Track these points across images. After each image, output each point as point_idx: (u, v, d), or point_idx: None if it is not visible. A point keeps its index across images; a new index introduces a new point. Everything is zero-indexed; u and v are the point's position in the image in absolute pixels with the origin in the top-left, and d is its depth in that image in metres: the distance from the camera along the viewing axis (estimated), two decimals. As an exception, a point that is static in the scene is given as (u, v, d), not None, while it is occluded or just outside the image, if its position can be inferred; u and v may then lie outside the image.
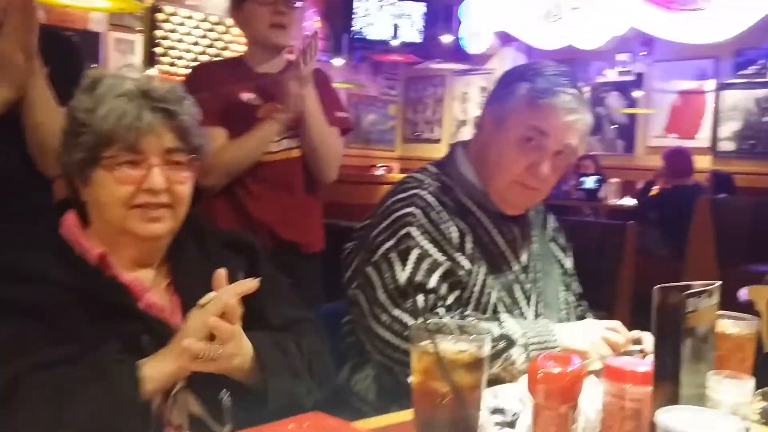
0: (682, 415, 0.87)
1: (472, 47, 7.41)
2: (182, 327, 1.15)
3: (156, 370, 1.11)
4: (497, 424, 1.08)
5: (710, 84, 6.26)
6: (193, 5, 6.19)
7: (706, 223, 4.52)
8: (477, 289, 1.52)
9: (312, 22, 6.82)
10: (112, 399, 1.07)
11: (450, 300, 1.47)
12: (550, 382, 0.92)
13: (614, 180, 6.36)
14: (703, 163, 6.00)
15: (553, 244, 1.76)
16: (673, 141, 6.34)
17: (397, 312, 1.45)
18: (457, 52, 7.39)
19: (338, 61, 6.98)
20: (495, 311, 1.53)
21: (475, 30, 7.31)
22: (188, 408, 1.11)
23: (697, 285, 1.08)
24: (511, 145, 1.52)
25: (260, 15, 2.26)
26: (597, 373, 1.23)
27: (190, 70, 2.61)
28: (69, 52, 1.80)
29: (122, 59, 5.72)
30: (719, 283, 1.12)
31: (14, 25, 1.51)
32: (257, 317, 1.26)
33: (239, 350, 1.16)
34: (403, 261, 1.47)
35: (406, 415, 1.04)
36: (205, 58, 6.06)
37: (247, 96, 2.27)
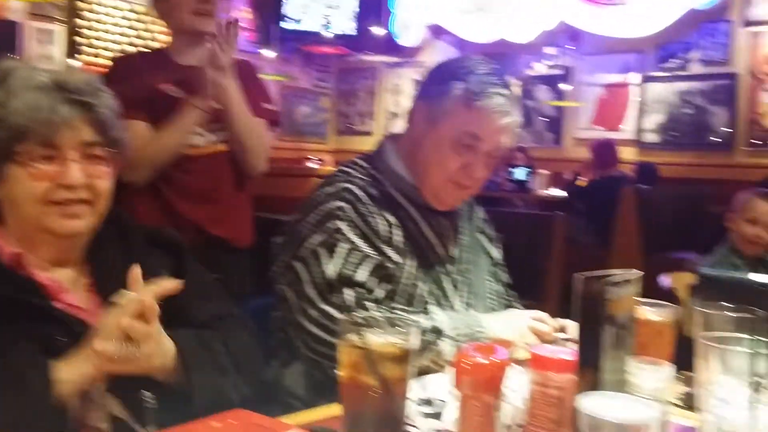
0: (603, 400, 0.89)
1: (404, 40, 7.42)
2: (97, 327, 1.12)
3: (71, 371, 1.08)
4: (425, 415, 1.09)
5: (635, 77, 6.44)
6: (117, -6, 6.02)
7: (631, 212, 4.65)
8: (407, 282, 1.53)
9: (240, 12, 6.72)
10: (26, 401, 1.03)
11: (379, 294, 1.47)
12: (474, 372, 0.92)
13: (543, 171, 6.49)
14: (628, 154, 6.17)
15: (480, 235, 1.78)
16: (599, 133, 6.50)
17: (324, 306, 1.44)
18: (390, 45, 7.39)
19: (269, 53, 6.89)
20: (425, 303, 1.54)
21: (407, 22, 7.33)
22: (108, 409, 1.07)
23: (618, 274, 1.10)
24: (445, 146, 1.54)
25: (184, 2, 2.21)
26: (524, 362, 1.25)
27: (111, 62, 2.54)
28: None
29: (42, 50, 5.52)
30: (639, 272, 1.15)
31: None
32: (181, 315, 1.23)
33: (158, 350, 1.13)
34: (331, 255, 1.46)
35: (335, 409, 1.04)
36: (132, 49, 5.90)
37: (169, 88, 2.22)
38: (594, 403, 0.87)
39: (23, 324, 1.12)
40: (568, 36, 6.57)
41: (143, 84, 2.17)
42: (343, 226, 1.49)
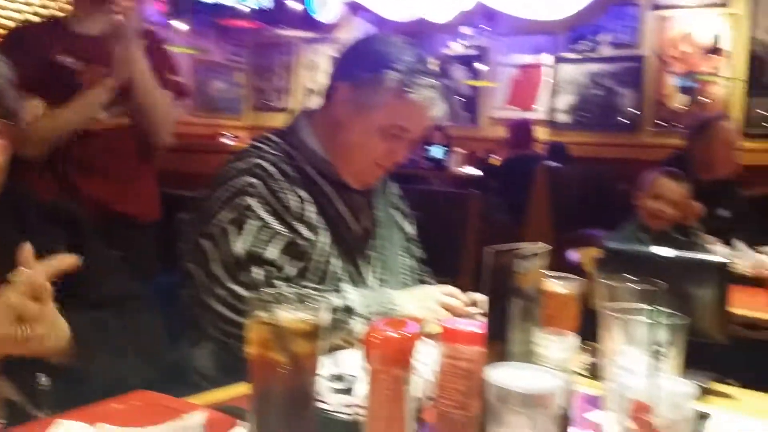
0: (511, 371, 0.90)
1: (322, 15, 7.33)
2: None
3: None
4: (335, 390, 1.08)
5: (547, 59, 6.57)
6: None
7: (543, 190, 4.76)
8: (319, 258, 1.51)
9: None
10: None
11: (290, 271, 1.45)
12: (384, 346, 0.92)
13: (459, 150, 6.56)
14: (541, 134, 6.30)
15: (394, 210, 1.78)
16: (514, 113, 6.62)
17: (232, 285, 1.41)
18: (306, 20, 7.29)
19: (181, 25, 6.68)
20: (338, 280, 1.53)
21: (324, -2, 7.25)
22: (1, 392, 1.02)
23: (526, 247, 1.12)
24: (373, 133, 1.54)
25: None
26: (435, 336, 1.25)
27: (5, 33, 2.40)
28: None
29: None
30: (546, 245, 1.17)
31: None
32: (79, 294, 1.17)
33: (51, 331, 1.07)
34: (240, 232, 1.43)
35: (244, 388, 1.02)
36: (36, 20, 5.60)
37: (66, 59, 2.11)
38: (501, 374, 0.88)
39: None
40: (484, 16, 6.63)
41: (40, 55, 2.06)
42: (253, 202, 1.45)
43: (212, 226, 1.45)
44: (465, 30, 6.82)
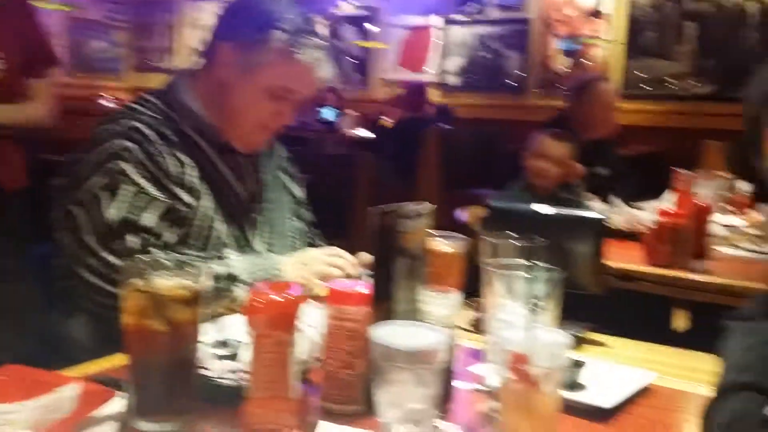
0: (394, 329, 0.90)
1: (206, -28, 7.09)
2: None
3: None
4: (219, 357, 1.06)
5: (437, 20, 6.61)
6: None
7: (433, 152, 4.82)
8: (201, 224, 1.47)
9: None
10: None
11: (170, 238, 1.41)
12: (267, 310, 0.90)
13: (351, 112, 6.54)
14: (432, 96, 6.36)
15: (282, 173, 1.75)
16: (405, 75, 6.64)
17: (105, 255, 1.35)
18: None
19: (53, -20, 6.29)
20: (223, 246, 1.50)
21: (207, -46, 6.99)
22: None
23: (410, 207, 1.12)
24: (259, 95, 1.50)
25: None
26: (322, 298, 1.25)
27: None
28: None
29: None
30: (431, 205, 1.18)
31: None
32: None
33: None
34: (113, 198, 1.37)
35: (121, 359, 0.98)
36: None
37: None
38: (386, 333, 0.89)
39: None
40: (374, -24, 6.59)
41: None
42: (127, 167, 1.39)
43: (83, 193, 1.38)
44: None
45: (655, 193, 2.93)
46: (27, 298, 1.24)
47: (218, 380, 1.02)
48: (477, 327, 1.42)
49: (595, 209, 2.55)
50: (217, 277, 1.38)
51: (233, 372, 1.03)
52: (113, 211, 1.36)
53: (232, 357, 1.06)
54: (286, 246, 1.65)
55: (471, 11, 6.43)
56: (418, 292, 1.10)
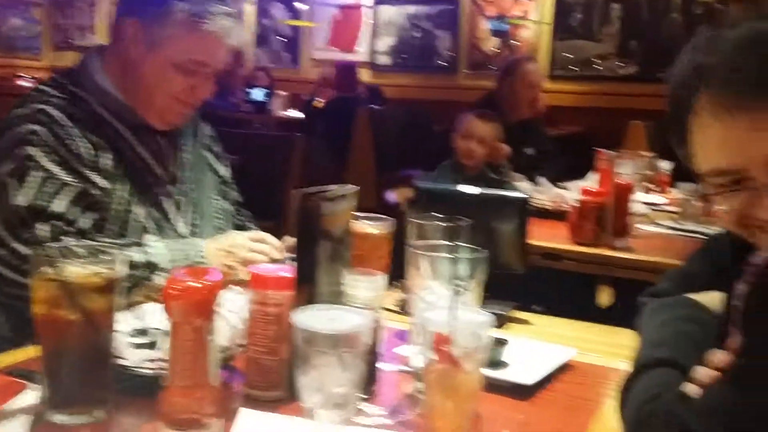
0: (317, 313, 0.89)
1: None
2: None
3: None
4: (137, 346, 1.03)
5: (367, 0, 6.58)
6: None
7: (365, 132, 4.81)
8: (118, 208, 1.42)
9: None
10: None
11: (84, 224, 1.35)
12: (183, 297, 0.88)
13: (281, 92, 6.46)
14: (363, 76, 6.33)
15: (206, 152, 1.70)
16: (335, 54, 6.59)
17: (14, 244, 1.30)
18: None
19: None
20: (142, 229, 1.45)
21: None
22: None
23: (333, 189, 1.11)
24: (169, 70, 1.45)
25: None
26: (245, 283, 1.23)
27: None
28: None
29: None
30: (354, 186, 1.17)
31: None
32: None
33: None
34: (21, 185, 1.31)
35: (34, 350, 0.94)
36: None
37: None
38: (308, 317, 0.88)
39: None
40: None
41: None
42: (35, 152, 1.33)
43: None
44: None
45: (581, 173, 2.99)
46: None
47: (135, 370, 0.99)
48: (404, 308, 1.42)
49: (521, 189, 2.59)
50: (136, 265, 1.34)
51: (151, 361, 1.00)
52: (21, 198, 1.31)
53: (151, 346, 1.03)
54: (213, 227, 1.61)
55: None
56: (341, 275, 1.09)
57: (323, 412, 0.86)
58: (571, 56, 5.75)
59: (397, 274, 1.26)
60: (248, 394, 1.05)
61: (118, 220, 1.42)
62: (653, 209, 2.85)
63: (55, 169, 1.34)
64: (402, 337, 1.24)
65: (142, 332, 1.07)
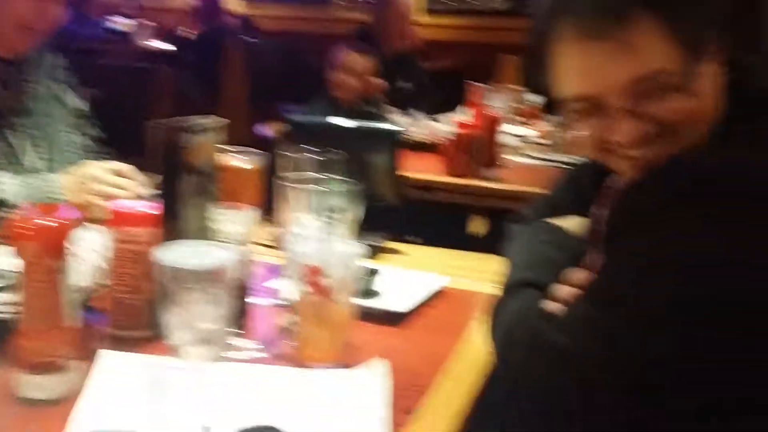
0: (182, 249, 0.86)
1: None
2: None
3: None
4: (-14, 289, 0.96)
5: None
6: None
7: (237, 65, 4.66)
8: None
9: None
10: None
11: None
12: (34, 236, 0.82)
13: (148, 22, 6.11)
14: (235, 6, 6.09)
15: (57, 83, 1.58)
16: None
17: None
18: None
19: None
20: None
21: None
22: None
23: (196, 121, 1.06)
24: None
25: None
26: (105, 220, 1.17)
27: None
28: None
29: None
30: (221, 119, 1.13)
31: None
32: None
33: None
34: None
35: None
36: None
37: None
38: (173, 254, 0.84)
39: None
40: None
41: None
42: None
43: None
44: None
45: (455, 107, 3.03)
46: None
47: (-14, 315, 0.93)
48: (278, 243, 1.40)
49: (395, 122, 2.59)
50: None
51: (3, 305, 0.94)
52: None
53: (5, 289, 0.96)
54: (66, 161, 1.51)
55: None
56: (207, 210, 1.05)
57: (192, 349, 0.83)
58: (448, -10, 5.75)
59: (271, 208, 1.23)
60: (113, 334, 1.01)
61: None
62: (523, 141, 2.93)
63: None
64: (276, 271, 1.22)
65: (-7, 275, 0.99)
